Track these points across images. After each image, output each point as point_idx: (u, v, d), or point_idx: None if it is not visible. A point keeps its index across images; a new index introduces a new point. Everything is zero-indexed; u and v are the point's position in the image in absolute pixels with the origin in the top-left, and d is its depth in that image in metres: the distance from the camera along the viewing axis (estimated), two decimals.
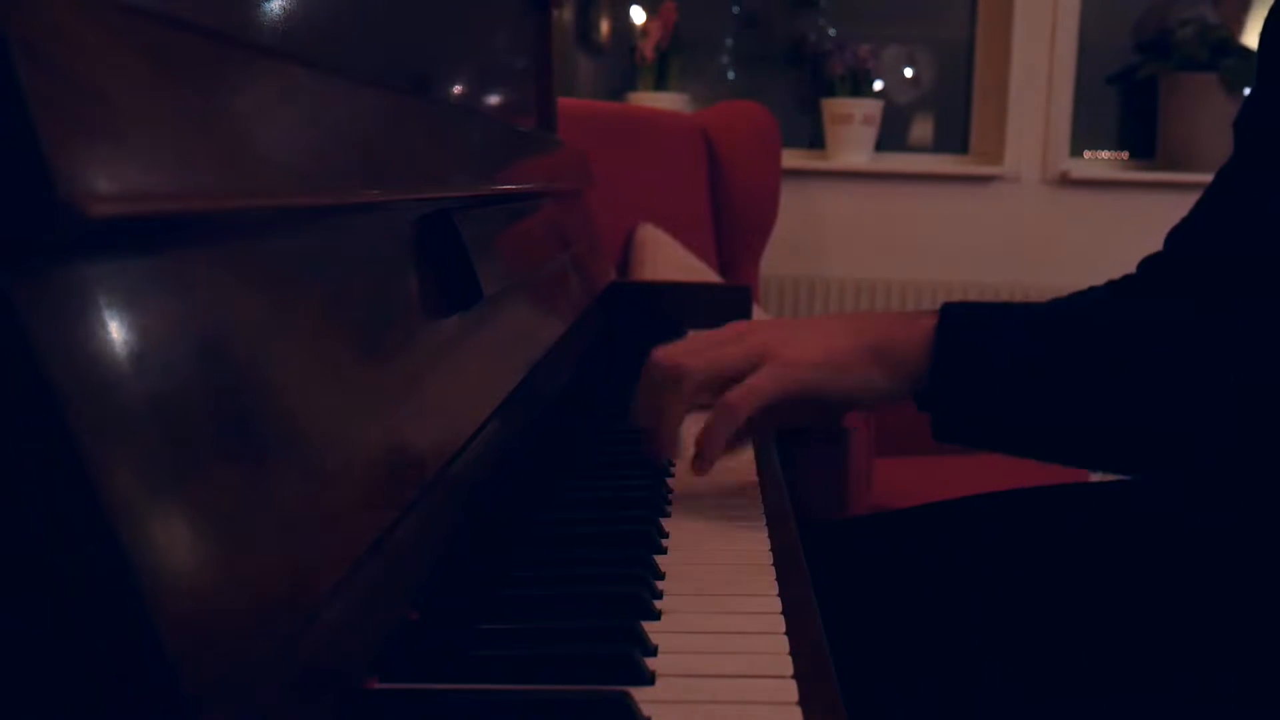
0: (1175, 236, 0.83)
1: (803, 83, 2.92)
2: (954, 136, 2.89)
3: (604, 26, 2.88)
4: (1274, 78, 0.72)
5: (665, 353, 0.62)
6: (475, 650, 0.40)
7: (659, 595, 0.47)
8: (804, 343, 0.59)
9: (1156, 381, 0.58)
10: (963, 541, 0.76)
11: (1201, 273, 0.77)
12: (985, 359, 0.59)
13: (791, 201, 2.46)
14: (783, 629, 0.43)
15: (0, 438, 0.24)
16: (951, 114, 2.89)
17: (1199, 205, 0.81)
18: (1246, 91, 0.78)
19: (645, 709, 0.36)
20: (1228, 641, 0.62)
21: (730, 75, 2.95)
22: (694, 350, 0.61)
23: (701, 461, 0.59)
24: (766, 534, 0.55)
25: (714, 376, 0.59)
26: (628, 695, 0.36)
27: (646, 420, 0.62)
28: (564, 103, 1.25)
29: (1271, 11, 0.73)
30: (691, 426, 0.78)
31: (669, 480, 0.64)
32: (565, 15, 2.73)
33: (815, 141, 2.87)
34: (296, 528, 0.32)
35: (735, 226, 2.18)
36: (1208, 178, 0.84)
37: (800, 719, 0.36)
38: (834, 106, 2.71)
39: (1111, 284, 0.88)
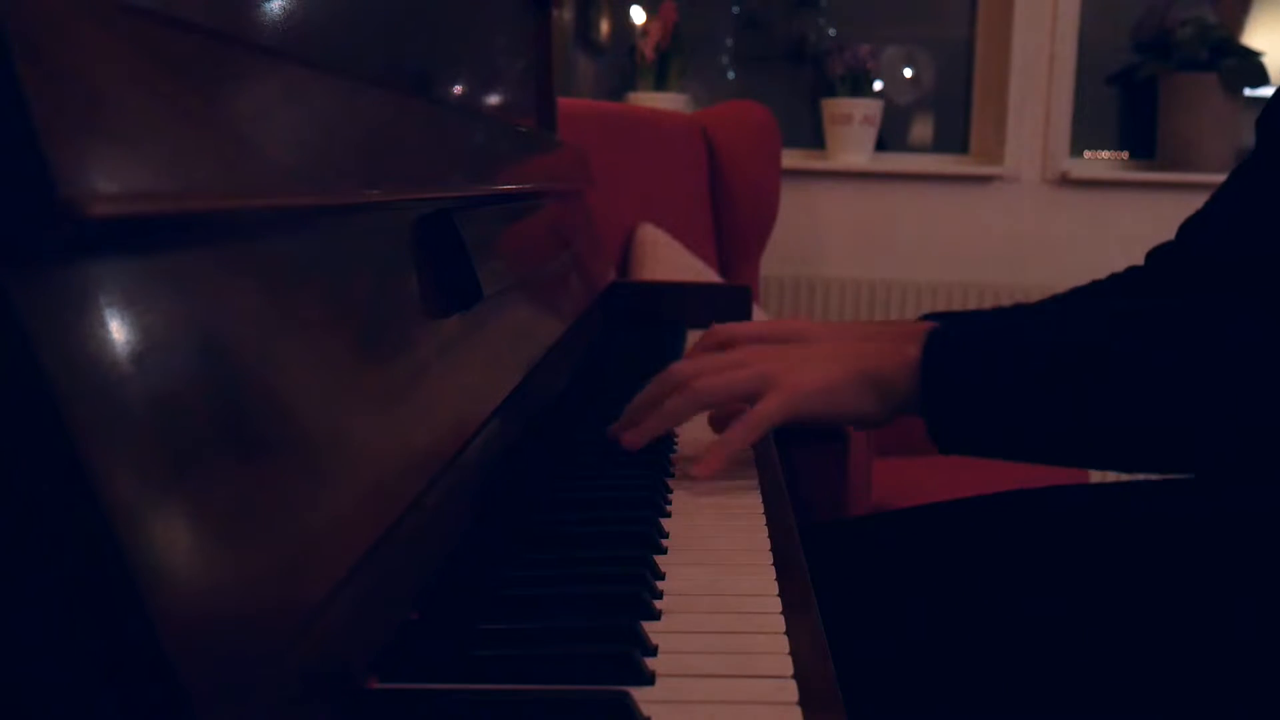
0: (1188, 229, 0.83)
1: (803, 83, 2.92)
2: (954, 136, 2.89)
3: (604, 26, 2.88)
4: None
5: (679, 366, 0.69)
6: (475, 650, 0.40)
7: (659, 595, 0.47)
8: (806, 372, 0.65)
9: (1151, 383, 0.59)
10: (962, 541, 0.76)
11: (1217, 270, 0.76)
12: (970, 392, 0.63)
13: (791, 201, 2.46)
14: (783, 629, 0.43)
15: (0, 438, 0.24)
16: (951, 114, 2.89)
17: (1215, 200, 0.81)
18: (1258, 91, 0.78)
19: (645, 709, 0.36)
20: (1230, 644, 0.62)
21: (730, 75, 2.95)
22: (703, 370, 0.67)
23: (703, 468, 0.64)
24: (767, 534, 0.55)
25: (720, 397, 0.66)
26: (628, 695, 0.36)
27: (639, 412, 0.68)
28: (564, 103, 1.25)
29: None
30: (689, 426, 0.78)
31: (669, 480, 0.64)
32: (565, 15, 2.73)
33: (815, 141, 2.87)
34: (297, 528, 0.32)
35: (735, 226, 2.18)
36: (1208, 177, 0.84)
37: (800, 719, 0.36)
38: (834, 106, 2.71)
39: (1117, 277, 0.88)
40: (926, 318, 0.86)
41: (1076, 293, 0.88)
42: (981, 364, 0.63)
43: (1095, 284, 0.88)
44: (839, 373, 0.65)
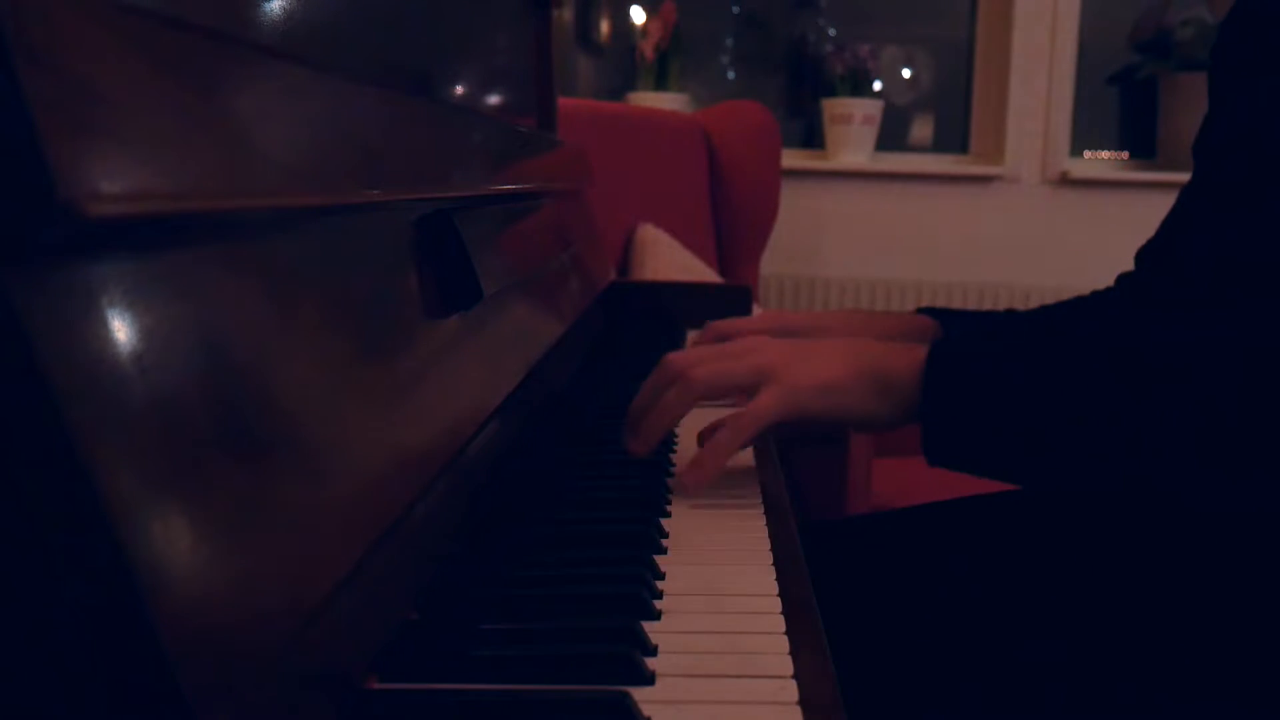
0: (1143, 256, 0.85)
1: (803, 83, 2.92)
2: (954, 136, 2.89)
3: (604, 26, 2.88)
4: (1220, 104, 0.74)
5: (675, 357, 0.65)
6: (475, 650, 0.40)
7: (659, 595, 0.47)
8: (807, 367, 0.61)
9: (1153, 423, 0.55)
10: (961, 541, 0.76)
11: (1167, 294, 0.78)
12: (972, 395, 0.60)
13: (791, 201, 2.46)
14: (783, 629, 0.43)
15: (0, 437, 0.24)
16: (951, 114, 2.89)
17: (1163, 226, 0.83)
18: None
19: (645, 709, 0.36)
20: (1230, 639, 0.62)
21: (730, 75, 2.95)
22: (702, 359, 0.64)
23: (700, 471, 0.61)
24: (767, 534, 0.55)
25: (717, 389, 0.62)
26: (628, 695, 0.36)
27: (640, 413, 0.65)
28: (564, 103, 1.25)
29: (1215, 43, 0.74)
30: (691, 424, 0.78)
31: (669, 480, 0.64)
32: (565, 15, 2.73)
33: (815, 141, 2.87)
34: (297, 528, 0.32)
35: (735, 226, 2.18)
36: None
37: (800, 719, 0.36)
38: (834, 106, 2.71)
39: (1096, 295, 0.89)
40: (922, 312, 0.87)
41: (1069, 305, 0.89)
42: (985, 379, 0.59)
43: (1082, 299, 0.89)
44: (841, 369, 0.61)
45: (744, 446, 0.62)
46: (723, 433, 0.61)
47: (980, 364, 0.60)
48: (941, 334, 0.85)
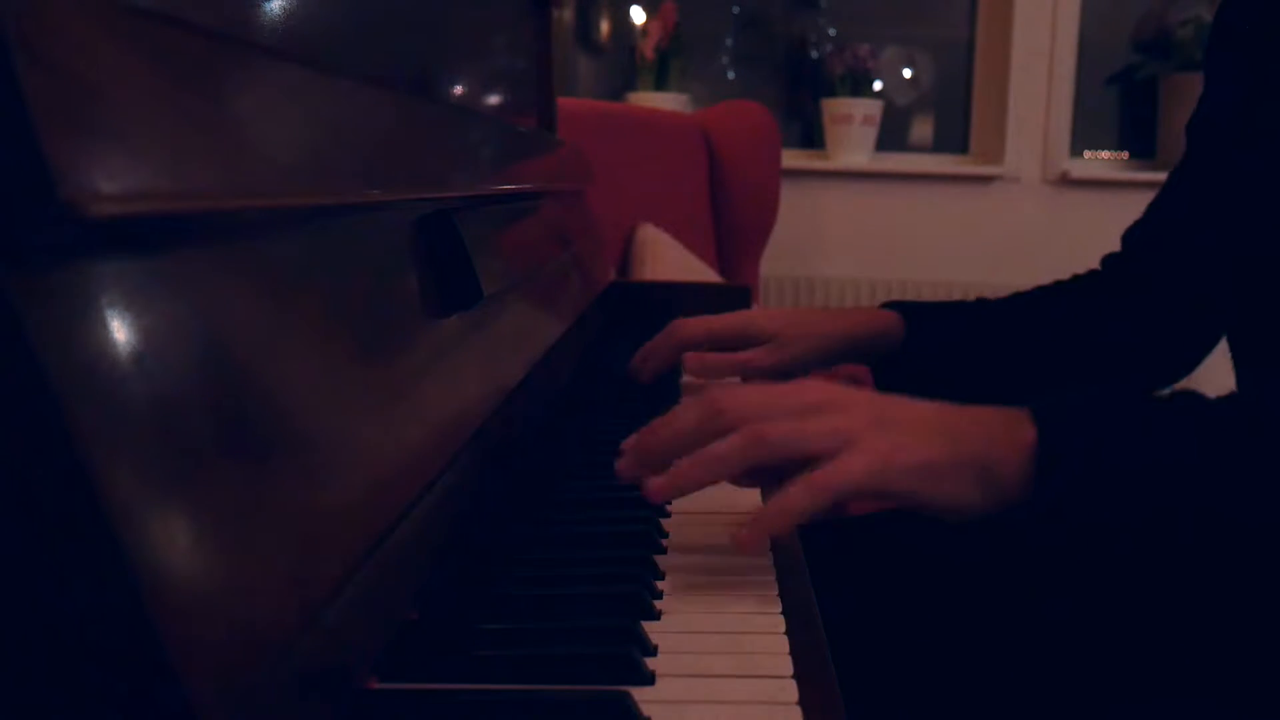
0: (1130, 236, 0.86)
1: (803, 83, 2.92)
2: (954, 136, 2.89)
3: (604, 26, 2.88)
4: (1215, 86, 0.74)
5: (728, 397, 0.52)
6: (475, 650, 0.40)
7: (659, 595, 0.47)
8: (899, 440, 0.51)
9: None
10: (961, 542, 0.76)
11: (1154, 272, 0.79)
12: (1090, 504, 0.51)
13: (791, 201, 2.46)
14: (783, 629, 0.43)
15: (0, 438, 0.24)
16: (951, 114, 2.89)
17: (1151, 207, 0.84)
18: None
19: (645, 709, 0.36)
20: (1231, 643, 0.62)
21: (730, 75, 2.95)
22: (768, 410, 0.51)
23: (758, 530, 0.50)
24: None
25: (792, 453, 0.51)
26: (628, 695, 0.36)
27: (669, 448, 0.53)
28: (564, 103, 1.25)
29: (1213, 23, 0.75)
30: None
31: None
32: (565, 15, 2.73)
33: (815, 141, 2.87)
34: (297, 528, 0.32)
35: (735, 226, 2.18)
36: None
37: (800, 719, 0.36)
38: (834, 106, 2.71)
39: (1075, 279, 0.90)
40: (887, 306, 0.87)
41: (1046, 291, 0.90)
42: (1109, 484, 0.51)
43: (1061, 284, 0.90)
44: (939, 452, 0.51)
45: (812, 514, 0.50)
46: (796, 492, 0.49)
47: (1103, 465, 0.51)
48: (904, 329, 0.85)
